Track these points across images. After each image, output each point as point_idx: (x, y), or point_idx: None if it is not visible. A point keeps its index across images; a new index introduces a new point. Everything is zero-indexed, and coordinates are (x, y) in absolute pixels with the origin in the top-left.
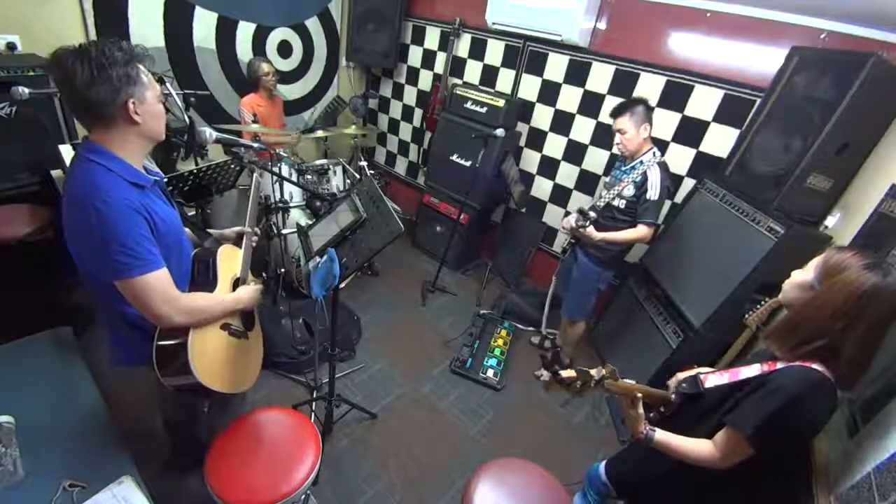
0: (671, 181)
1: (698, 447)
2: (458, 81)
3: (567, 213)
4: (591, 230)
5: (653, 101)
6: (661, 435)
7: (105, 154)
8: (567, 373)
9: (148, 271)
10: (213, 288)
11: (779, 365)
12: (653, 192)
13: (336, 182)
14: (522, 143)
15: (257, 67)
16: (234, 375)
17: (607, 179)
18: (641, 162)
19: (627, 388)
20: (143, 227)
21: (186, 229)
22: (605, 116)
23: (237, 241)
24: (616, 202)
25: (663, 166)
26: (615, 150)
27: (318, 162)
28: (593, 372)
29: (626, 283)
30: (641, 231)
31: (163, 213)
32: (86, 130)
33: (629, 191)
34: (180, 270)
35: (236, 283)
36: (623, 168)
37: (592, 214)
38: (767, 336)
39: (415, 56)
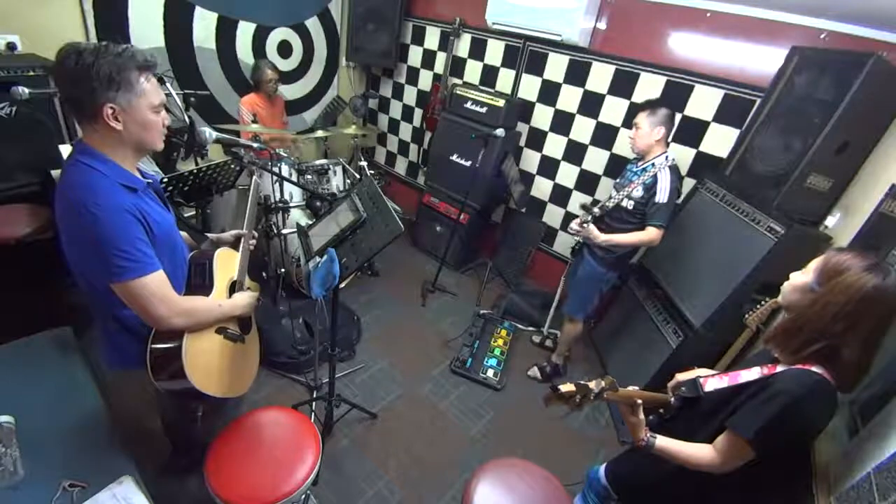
0: (680, 184)
1: (699, 452)
2: (458, 81)
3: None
4: (594, 231)
5: None
6: (662, 441)
7: (96, 156)
8: (566, 387)
9: (144, 274)
10: (209, 291)
11: (779, 368)
12: (662, 195)
13: (336, 182)
14: (522, 143)
15: (262, 72)
16: (230, 380)
17: (618, 180)
18: (653, 164)
19: (627, 395)
20: (138, 229)
21: (184, 233)
22: (605, 116)
23: (235, 244)
24: (625, 203)
25: (674, 170)
26: (627, 144)
27: (318, 162)
28: (592, 384)
29: (626, 284)
30: (650, 233)
31: (157, 216)
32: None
33: (638, 192)
34: (175, 274)
35: (233, 287)
36: (634, 169)
37: (596, 210)
38: (769, 339)
39: (415, 56)
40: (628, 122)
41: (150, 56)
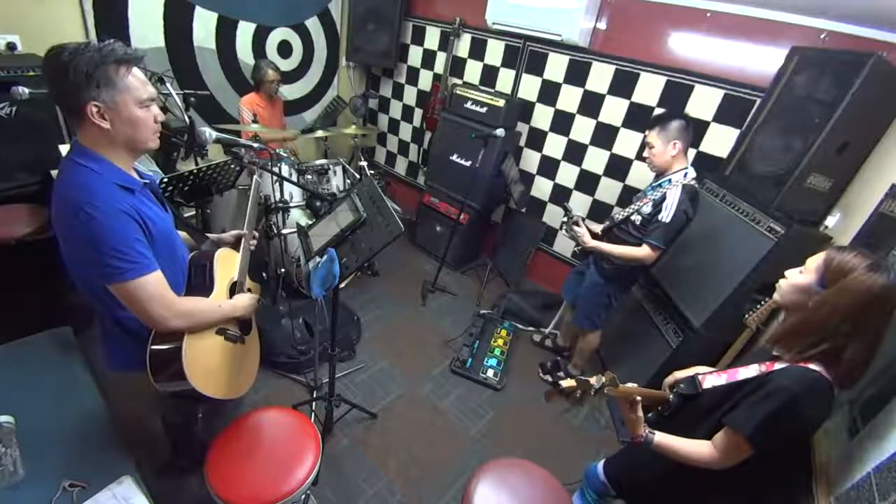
0: (692, 206)
1: (698, 448)
2: (458, 81)
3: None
4: (583, 234)
5: (652, 101)
6: (661, 437)
7: (91, 156)
8: (567, 383)
9: (142, 274)
10: (209, 292)
11: (777, 365)
12: (666, 214)
13: (336, 182)
14: (522, 143)
15: (264, 73)
16: (230, 381)
17: (638, 194)
18: (669, 181)
19: (626, 392)
20: (135, 230)
21: (183, 233)
22: (605, 116)
23: (235, 244)
24: (634, 217)
25: (688, 189)
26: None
27: (318, 162)
28: (593, 380)
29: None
30: (643, 251)
31: (154, 217)
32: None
33: (647, 208)
34: (174, 274)
35: (233, 288)
36: (653, 184)
37: (576, 214)
38: (773, 341)
39: (415, 56)
40: (628, 123)
41: (132, 49)
